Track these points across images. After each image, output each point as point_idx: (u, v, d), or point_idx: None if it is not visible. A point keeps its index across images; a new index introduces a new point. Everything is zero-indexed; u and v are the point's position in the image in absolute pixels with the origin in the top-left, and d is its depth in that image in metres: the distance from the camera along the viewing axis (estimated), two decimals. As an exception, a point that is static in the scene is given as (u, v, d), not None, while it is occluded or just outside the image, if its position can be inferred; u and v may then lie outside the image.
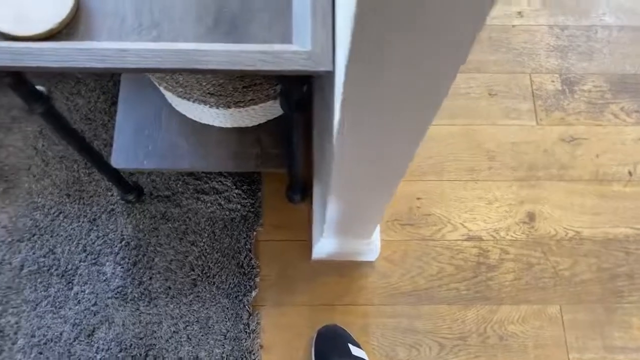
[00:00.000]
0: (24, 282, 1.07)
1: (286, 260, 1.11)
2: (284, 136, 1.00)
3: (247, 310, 1.06)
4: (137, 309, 1.06)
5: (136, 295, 1.07)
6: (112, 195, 1.13)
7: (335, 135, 0.62)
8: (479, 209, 1.15)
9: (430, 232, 1.13)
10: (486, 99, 1.24)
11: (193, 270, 1.09)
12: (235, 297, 1.07)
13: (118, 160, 1.00)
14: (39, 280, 1.07)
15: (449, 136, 1.20)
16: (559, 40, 1.30)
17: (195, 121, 1.02)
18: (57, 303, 1.06)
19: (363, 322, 1.07)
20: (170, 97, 0.98)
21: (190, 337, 1.04)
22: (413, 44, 0.44)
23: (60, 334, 1.04)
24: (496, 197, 1.16)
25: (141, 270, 1.08)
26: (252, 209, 1.13)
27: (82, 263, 1.09)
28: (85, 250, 1.09)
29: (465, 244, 1.12)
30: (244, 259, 1.10)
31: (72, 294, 1.07)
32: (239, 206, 1.13)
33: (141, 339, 1.04)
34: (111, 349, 1.03)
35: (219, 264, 1.09)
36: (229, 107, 0.93)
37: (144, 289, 1.07)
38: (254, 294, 1.07)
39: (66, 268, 1.08)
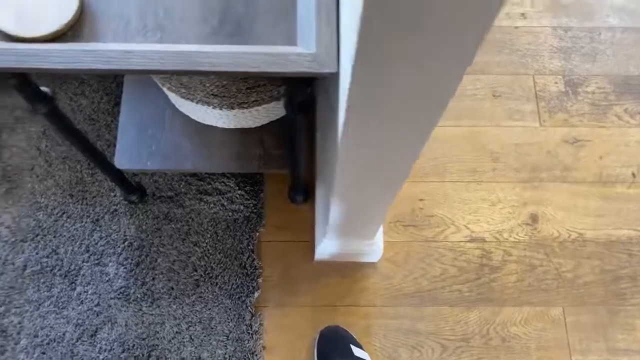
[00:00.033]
0: (27, 282, 1.07)
1: (289, 261, 1.11)
2: (287, 137, 1.00)
3: (250, 311, 1.06)
4: (140, 310, 1.06)
5: (139, 296, 1.07)
6: (115, 195, 1.13)
7: (339, 137, 0.62)
8: (482, 211, 1.15)
9: (433, 233, 1.13)
10: (490, 101, 1.24)
11: (196, 271, 1.09)
12: (238, 297, 1.07)
13: (121, 161, 1.00)
14: (42, 280, 1.07)
15: (452, 137, 1.20)
16: (563, 42, 1.30)
17: (198, 122, 1.02)
18: (60, 303, 1.06)
19: (365, 323, 1.07)
20: (173, 98, 0.98)
21: (192, 337, 1.04)
22: (420, 44, 0.44)
23: (63, 334, 1.04)
24: (499, 199, 1.16)
25: (144, 271, 1.08)
26: (255, 210, 1.13)
27: (85, 263, 1.09)
28: (88, 251, 1.10)
29: (468, 246, 1.12)
30: (247, 259, 1.10)
31: (75, 295, 1.07)
32: (241, 207, 1.13)
33: (144, 339, 1.04)
34: (114, 349, 1.03)
35: (222, 265, 1.09)
36: (232, 108, 0.93)
37: (147, 290, 1.07)
38: (256, 294, 1.07)
39: (69, 268, 1.08)
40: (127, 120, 1.02)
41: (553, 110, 1.24)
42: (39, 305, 1.06)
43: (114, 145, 1.04)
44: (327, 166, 0.89)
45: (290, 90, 0.71)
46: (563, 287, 1.10)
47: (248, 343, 1.04)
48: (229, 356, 1.03)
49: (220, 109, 0.93)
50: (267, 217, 1.13)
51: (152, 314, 1.06)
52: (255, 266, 1.09)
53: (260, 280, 1.08)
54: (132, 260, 1.09)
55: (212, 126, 1.02)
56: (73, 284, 1.07)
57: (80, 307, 1.06)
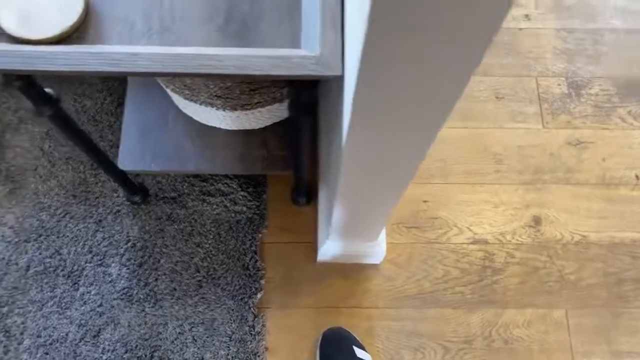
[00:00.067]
0: (30, 282, 1.07)
1: (291, 262, 1.11)
2: (291, 139, 1.01)
3: (253, 312, 1.06)
4: (143, 310, 1.06)
5: (142, 297, 1.07)
6: (118, 196, 1.13)
7: (343, 140, 0.62)
8: (485, 213, 1.15)
9: (435, 235, 1.13)
10: (493, 102, 1.24)
11: (198, 272, 1.09)
12: (241, 299, 1.07)
13: (125, 162, 1.00)
14: (45, 280, 1.08)
15: (455, 139, 1.20)
16: (566, 44, 1.30)
17: (201, 123, 1.02)
18: (63, 304, 1.06)
19: (368, 324, 1.07)
20: (177, 99, 0.98)
21: (195, 338, 1.04)
22: (428, 44, 0.43)
23: (66, 334, 1.04)
24: (502, 201, 1.16)
25: (147, 272, 1.09)
26: (258, 211, 1.13)
27: (88, 264, 1.09)
28: (91, 251, 1.10)
29: (471, 248, 1.12)
30: (250, 260, 1.10)
31: (78, 295, 1.07)
32: (244, 208, 1.13)
33: (147, 340, 1.04)
34: (117, 349, 1.04)
35: (225, 266, 1.09)
36: (235, 109, 0.93)
37: (150, 290, 1.07)
38: (259, 296, 1.07)
39: (72, 269, 1.09)
40: (131, 122, 1.02)
41: (556, 112, 1.23)
42: (42, 305, 1.06)
43: (117, 146, 1.04)
44: (330, 168, 0.89)
45: (295, 92, 0.71)
46: (566, 290, 1.09)
47: (251, 344, 1.04)
48: (232, 357, 1.03)
49: (224, 110, 0.93)
50: (269, 219, 1.13)
51: (154, 315, 1.06)
52: (258, 267, 1.09)
53: (262, 281, 1.09)
54: (135, 261, 1.09)
55: (215, 127, 1.02)
56: (76, 285, 1.08)
57: (83, 307, 1.06)
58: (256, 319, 1.06)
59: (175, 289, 1.08)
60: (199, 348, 1.04)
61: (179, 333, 1.05)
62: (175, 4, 0.64)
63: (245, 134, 1.03)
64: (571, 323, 1.07)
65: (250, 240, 1.11)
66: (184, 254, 1.10)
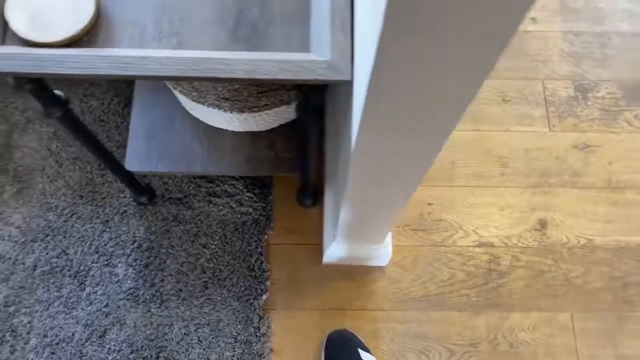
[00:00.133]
0: (36, 282, 1.08)
1: (297, 264, 1.11)
2: (298, 142, 1.01)
3: (258, 314, 1.06)
4: (149, 311, 1.06)
5: (148, 297, 1.07)
6: (124, 197, 1.14)
7: (352, 146, 0.62)
8: (491, 215, 1.15)
9: (441, 237, 1.13)
10: (499, 105, 1.23)
11: (204, 273, 1.09)
12: (246, 300, 1.07)
13: (132, 163, 1.00)
14: (51, 280, 1.08)
15: (461, 142, 1.20)
16: (573, 47, 1.29)
17: (208, 125, 1.03)
18: (70, 304, 1.07)
19: (373, 327, 1.07)
20: (184, 101, 0.98)
21: (201, 339, 1.05)
22: (444, 46, 0.42)
23: (73, 334, 1.05)
24: (508, 204, 1.16)
25: (153, 272, 1.09)
26: (264, 213, 1.13)
27: (94, 264, 1.09)
28: (97, 252, 1.10)
29: (477, 250, 1.12)
30: (255, 262, 1.10)
31: (85, 295, 1.07)
32: (250, 209, 1.14)
33: (152, 340, 1.05)
34: (122, 350, 1.04)
35: (230, 267, 1.10)
36: (243, 111, 0.93)
37: (156, 291, 1.08)
38: (264, 297, 1.08)
39: (79, 269, 1.09)
40: (138, 123, 1.03)
41: (563, 115, 1.23)
42: (49, 305, 1.06)
43: (124, 147, 1.04)
44: (338, 171, 0.89)
45: (303, 96, 0.71)
46: (571, 293, 1.09)
47: (256, 345, 1.04)
48: (237, 358, 1.04)
49: (231, 113, 0.93)
50: (275, 220, 1.14)
51: (160, 315, 1.06)
52: (264, 269, 1.10)
53: (268, 282, 1.09)
54: (141, 261, 1.10)
55: (222, 129, 1.03)
56: (82, 285, 1.08)
57: (89, 307, 1.07)
58: (261, 321, 1.06)
59: (181, 290, 1.08)
60: (204, 349, 1.04)
61: (185, 334, 1.05)
62: (185, 8, 0.64)
63: (253, 136, 1.03)
64: (577, 327, 1.07)
65: (256, 241, 1.11)
66: (190, 255, 1.10)
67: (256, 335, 1.05)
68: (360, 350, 1.01)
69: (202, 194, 1.14)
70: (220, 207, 1.13)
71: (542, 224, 1.14)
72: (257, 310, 1.07)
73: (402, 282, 1.10)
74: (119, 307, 1.07)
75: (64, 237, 1.11)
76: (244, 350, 1.04)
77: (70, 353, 1.04)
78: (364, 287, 1.09)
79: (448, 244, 1.13)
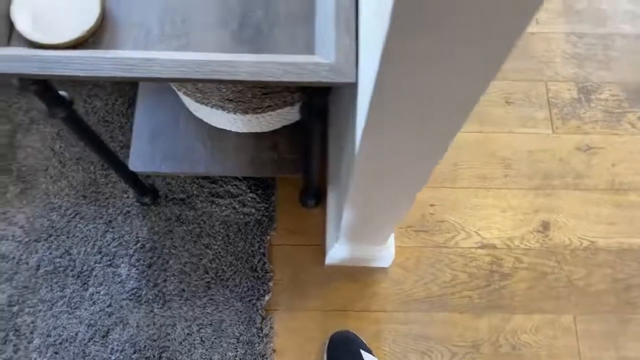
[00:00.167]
0: (40, 282, 1.08)
1: (299, 264, 1.11)
2: (301, 143, 1.01)
3: (260, 314, 1.07)
4: (152, 311, 1.07)
5: (150, 297, 1.07)
6: (127, 197, 1.14)
7: (357, 146, 0.62)
8: (493, 217, 1.15)
9: (443, 239, 1.13)
10: (503, 107, 1.23)
11: (207, 273, 1.09)
12: (249, 300, 1.08)
13: (136, 163, 1.00)
14: (54, 280, 1.08)
15: (464, 143, 1.20)
16: (576, 48, 1.29)
17: (212, 126, 1.03)
18: (73, 303, 1.07)
19: (375, 328, 1.07)
20: (188, 102, 0.98)
21: (203, 339, 1.05)
22: (452, 45, 0.42)
23: (76, 334, 1.05)
24: (511, 205, 1.16)
25: (156, 273, 1.09)
26: (266, 213, 1.14)
27: (97, 264, 1.10)
28: (100, 252, 1.10)
29: (479, 252, 1.12)
30: (258, 262, 1.10)
31: (88, 295, 1.08)
32: (253, 210, 1.14)
33: (155, 340, 1.05)
34: (125, 350, 1.04)
35: (233, 268, 1.10)
36: (246, 113, 0.93)
37: (159, 291, 1.08)
38: (267, 298, 1.08)
39: (82, 269, 1.09)
40: (142, 123, 1.03)
41: (566, 117, 1.23)
42: (52, 305, 1.07)
43: (128, 147, 1.04)
44: (341, 173, 0.89)
45: (307, 97, 0.71)
46: (574, 295, 1.09)
47: (258, 346, 1.05)
48: (240, 359, 1.04)
49: (235, 114, 0.93)
50: (278, 221, 1.14)
51: (163, 316, 1.06)
52: (266, 269, 1.10)
53: (271, 283, 1.09)
54: (144, 261, 1.10)
55: (226, 130, 1.03)
56: (85, 285, 1.08)
57: (92, 307, 1.07)
58: (264, 321, 1.06)
59: (183, 290, 1.08)
60: (207, 349, 1.04)
61: (187, 334, 1.05)
62: (190, 9, 0.64)
63: (256, 137, 1.03)
64: (579, 329, 1.07)
65: (258, 242, 1.12)
66: (192, 255, 1.10)
67: (259, 336, 1.05)
68: (362, 352, 1.01)
69: (205, 194, 1.15)
70: (223, 208, 1.14)
71: (545, 226, 1.14)
72: (260, 310, 1.07)
73: (404, 283, 1.10)
74: (121, 307, 1.07)
75: (67, 237, 1.11)
76: (246, 351, 1.04)
77: (73, 353, 1.04)
78: (367, 288, 1.10)
79: (450, 246, 1.13)
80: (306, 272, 1.11)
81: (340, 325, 1.06)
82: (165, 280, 1.09)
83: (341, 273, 1.10)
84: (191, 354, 1.04)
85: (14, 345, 1.04)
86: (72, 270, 1.09)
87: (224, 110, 0.92)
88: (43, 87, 0.66)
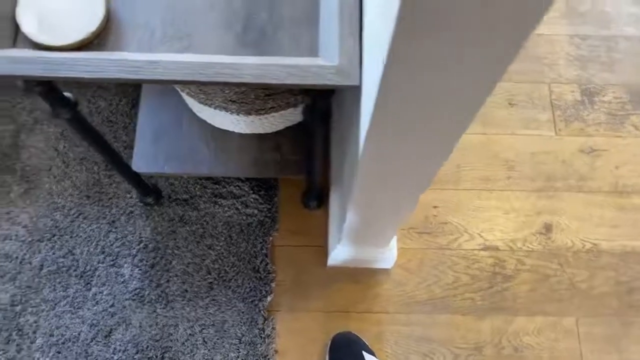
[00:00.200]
0: (43, 281, 1.08)
1: (301, 265, 1.11)
2: (304, 144, 1.01)
3: (263, 315, 1.07)
4: (154, 311, 1.07)
5: (153, 298, 1.08)
6: (131, 197, 1.14)
7: (360, 149, 0.62)
8: (496, 219, 1.15)
9: (446, 241, 1.13)
10: (506, 109, 1.23)
11: (210, 274, 1.10)
12: (251, 301, 1.08)
13: (139, 164, 1.00)
14: (57, 280, 1.09)
15: (467, 145, 1.20)
16: (579, 50, 1.29)
17: (215, 127, 1.03)
18: (76, 303, 1.07)
19: (377, 329, 1.07)
20: (191, 103, 0.99)
21: (205, 340, 1.05)
22: (459, 46, 0.42)
23: (78, 334, 1.05)
24: (513, 207, 1.16)
25: (159, 273, 1.09)
26: (269, 214, 1.14)
27: (100, 264, 1.10)
28: (103, 252, 1.11)
29: (482, 254, 1.12)
30: (260, 263, 1.10)
31: (91, 295, 1.08)
32: (255, 211, 1.14)
33: (157, 341, 1.05)
34: (128, 350, 1.05)
35: (235, 268, 1.10)
36: (249, 114, 0.93)
37: (161, 292, 1.08)
38: (269, 298, 1.08)
39: (85, 269, 1.10)
40: (145, 124, 1.03)
41: (569, 119, 1.23)
42: (55, 304, 1.07)
43: (131, 147, 1.05)
44: (343, 175, 0.89)
45: (311, 100, 0.71)
46: (577, 298, 1.09)
47: (260, 347, 1.05)
48: (242, 359, 1.04)
49: (238, 115, 0.94)
50: (280, 222, 1.14)
51: (166, 316, 1.07)
52: (269, 270, 1.10)
53: (273, 284, 1.09)
54: (147, 262, 1.10)
55: (229, 131, 1.03)
56: (88, 285, 1.09)
57: (95, 307, 1.07)
58: (266, 322, 1.06)
59: (186, 291, 1.08)
60: (209, 350, 1.05)
61: (190, 334, 1.05)
62: (194, 12, 0.64)
63: (259, 138, 1.03)
64: (581, 331, 1.07)
65: (261, 243, 1.12)
66: (195, 256, 1.11)
67: (261, 337, 1.05)
68: (364, 353, 1.01)
69: (208, 195, 1.15)
70: (226, 209, 1.14)
71: (548, 228, 1.14)
72: (262, 311, 1.07)
73: (407, 285, 1.10)
74: (124, 307, 1.07)
75: (71, 237, 1.12)
76: (248, 352, 1.04)
77: (76, 352, 1.04)
78: (369, 290, 1.10)
79: (453, 247, 1.13)
80: (308, 273, 1.11)
81: (342, 326, 1.06)
82: (168, 281, 1.09)
83: (343, 274, 1.10)
84: (193, 355, 1.04)
85: (17, 345, 1.04)
86: (75, 270, 1.09)
87: (227, 111, 0.92)
88: (48, 89, 0.67)
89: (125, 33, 0.62)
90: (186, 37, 0.63)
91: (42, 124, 1.20)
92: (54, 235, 1.12)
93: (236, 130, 1.02)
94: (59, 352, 1.04)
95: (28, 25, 0.61)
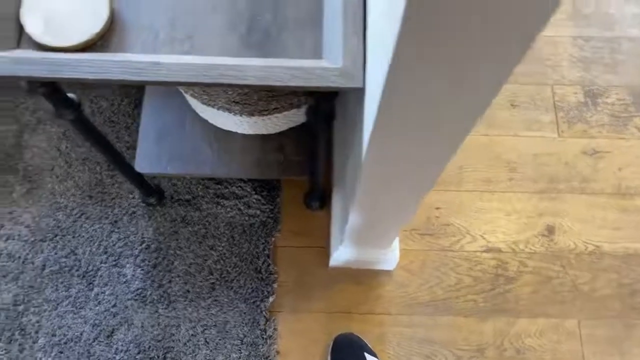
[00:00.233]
0: (45, 281, 1.09)
1: (303, 266, 1.11)
2: (308, 145, 1.01)
3: (264, 316, 1.07)
4: (156, 312, 1.07)
5: (155, 298, 1.08)
6: (133, 197, 1.14)
7: (364, 152, 0.62)
8: (499, 221, 1.15)
9: (449, 242, 1.13)
10: (508, 110, 1.23)
11: (212, 274, 1.10)
12: (253, 302, 1.08)
13: (142, 164, 1.00)
14: (60, 280, 1.09)
15: (469, 146, 1.20)
16: (583, 52, 1.29)
17: (218, 127, 1.03)
18: (78, 303, 1.07)
19: (380, 331, 1.07)
20: (194, 103, 0.99)
21: (207, 340, 1.05)
22: (465, 46, 0.41)
23: (81, 334, 1.06)
24: (516, 209, 1.16)
25: (161, 273, 1.09)
26: (271, 215, 1.14)
27: (102, 264, 1.10)
28: (106, 252, 1.11)
29: (484, 256, 1.12)
30: (262, 264, 1.10)
31: (93, 295, 1.08)
32: (258, 212, 1.14)
33: (159, 341, 1.05)
34: (130, 350, 1.05)
35: (238, 269, 1.10)
36: (252, 115, 0.93)
37: (163, 292, 1.08)
38: (271, 299, 1.08)
39: (87, 269, 1.10)
40: (148, 124, 1.03)
41: (572, 121, 1.23)
42: (57, 304, 1.07)
43: (134, 148, 1.05)
44: (346, 177, 0.89)
45: (316, 102, 0.71)
46: (579, 300, 1.09)
47: (262, 348, 1.05)
48: (244, 360, 1.04)
49: (241, 116, 0.94)
50: (283, 223, 1.14)
51: (168, 316, 1.07)
52: (271, 271, 1.10)
53: (275, 285, 1.09)
54: (149, 262, 1.10)
55: (232, 132, 1.03)
56: (91, 285, 1.09)
57: (97, 307, 1.07)
58: (268, 323, 1.06)
59: (188, 291, 1.08)
60: (211, 350, 1.05)
61: (192, 335, 1.05)
62: (198, 13, 0.64)
63: (262, 139, 1.03)
64: (584, 333, 1.07)
65: (263, 243, 1.12)
66: (197, 256, 1.11)
67: (262, 338, 1.05)
68: (366, 354, 1.01)
69: (211, 195, 1.15)
70: (229, 209, 1.14)
71: (550, 230, 1.14)
72: (264, 312, 1.07)
73: (409, 286, 1.10)
74: (126, 307, 1.07)
75: (73, 237, 1.12)
76: (250, 352, 1.04)
77: (78, 352, 1.04)
78: (371, 291, 1.10)
79: (455, 249, 1.13)
80: (310, 274, 1.11)
81: (344, 327, 1.06)
82: (170, 281, 1.09)
83: (345, 275, 1.10)
84: (195, 355, 1.04)
85: (19, 345, 1.04)
86: (77, 270, 1.09)
87: (230, 112, 0.92)
88: (51, 90, 0.67)
89: (129, 34, 0.62)
90: (190, 39, 0.63)
91: (45, 124, 1.20)
92: (56, 235, 1.12)
93: (239, 131, 1.02)
94: (61, 352, 1.04)
95: (32, 26, 0.61)
